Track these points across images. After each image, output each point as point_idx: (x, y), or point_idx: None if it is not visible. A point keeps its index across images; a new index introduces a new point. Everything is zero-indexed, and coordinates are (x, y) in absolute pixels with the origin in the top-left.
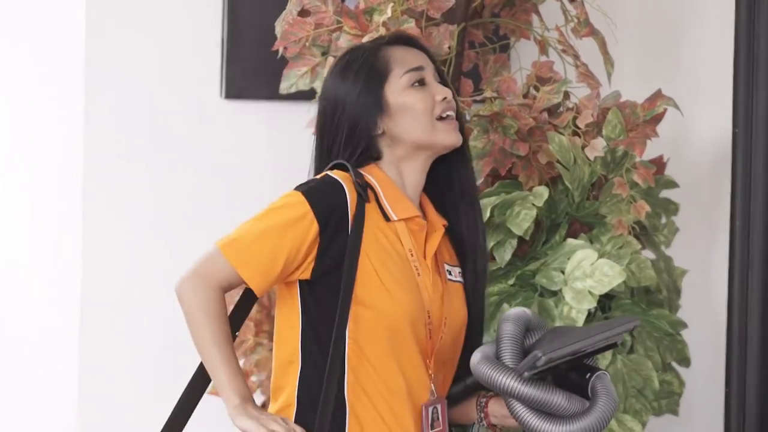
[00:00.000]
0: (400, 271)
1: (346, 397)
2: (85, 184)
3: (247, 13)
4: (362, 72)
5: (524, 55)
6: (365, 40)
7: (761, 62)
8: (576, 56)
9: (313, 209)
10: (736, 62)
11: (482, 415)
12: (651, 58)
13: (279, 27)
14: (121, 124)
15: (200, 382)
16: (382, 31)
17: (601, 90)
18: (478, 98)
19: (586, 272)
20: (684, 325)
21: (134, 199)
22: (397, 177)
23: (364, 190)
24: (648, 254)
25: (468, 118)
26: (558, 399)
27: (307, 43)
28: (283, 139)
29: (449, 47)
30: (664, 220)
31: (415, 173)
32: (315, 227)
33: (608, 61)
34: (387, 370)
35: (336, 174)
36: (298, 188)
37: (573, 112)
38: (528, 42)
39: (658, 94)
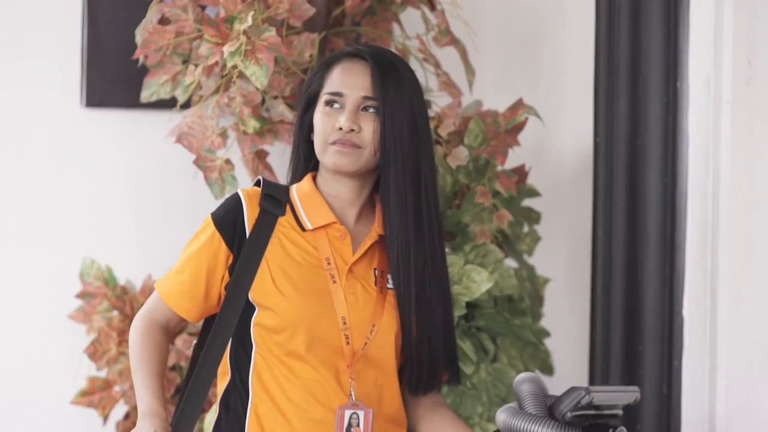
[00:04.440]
0: (303, 278)
1: (249, 395)
2: None
3: (108, 20)
4: (305, 91)
5: None
6: (226, 48)
7: (621, 72)
8: (437, 65)
9: (219, 229)
10: (597, 72)
11: None
12: (513, 68)
13: (139, 35)
14: None
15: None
16: (243, 39)
17: (462, 99)
18: None
19: (453, 279)
20: (547, 334)
21: None
22: (329, 186)
23: (277, 204)
24: (510, 263)
25: None
26: None
27: (167, 52)
28: (144, 147)
29: (310, 56)
30: (526, 229)
31: (341, 186)
32: (223, 245)
33: (469, 69)
34: (290, 371)
35: (245, 190)
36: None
37: (435, 120)
38: None
39: (519, 103)
